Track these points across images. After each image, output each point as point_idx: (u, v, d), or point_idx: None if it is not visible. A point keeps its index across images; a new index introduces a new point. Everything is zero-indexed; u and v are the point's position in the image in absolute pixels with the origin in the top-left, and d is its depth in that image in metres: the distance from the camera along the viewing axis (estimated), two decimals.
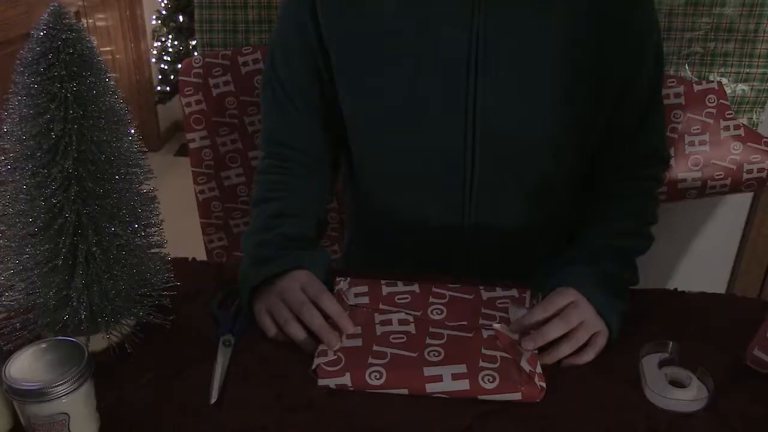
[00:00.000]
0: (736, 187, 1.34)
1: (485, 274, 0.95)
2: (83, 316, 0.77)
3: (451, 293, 0.89)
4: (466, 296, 0.88)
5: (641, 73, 0.94)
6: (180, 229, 1.16)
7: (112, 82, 0.74)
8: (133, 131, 0.76)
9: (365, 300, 0.88)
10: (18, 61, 0.71)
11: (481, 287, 0.90)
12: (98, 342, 0.80)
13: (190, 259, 0.99)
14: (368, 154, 0.99)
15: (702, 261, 1.61)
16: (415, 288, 0.89)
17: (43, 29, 0.71)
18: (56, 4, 0.72)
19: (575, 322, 0.80)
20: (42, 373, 0.64)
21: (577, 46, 0.88)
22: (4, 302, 0.78)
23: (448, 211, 0.96)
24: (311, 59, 0.94)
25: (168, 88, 3.27)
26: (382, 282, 0.90)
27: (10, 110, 0.72)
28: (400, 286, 0.90)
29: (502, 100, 0.89)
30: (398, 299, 0.88)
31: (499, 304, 0.87)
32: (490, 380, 0.74)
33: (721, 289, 1.66)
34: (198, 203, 1.30)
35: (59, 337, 0.69)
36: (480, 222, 0.97)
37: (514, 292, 0.89)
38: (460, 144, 0.91)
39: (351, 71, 0.93)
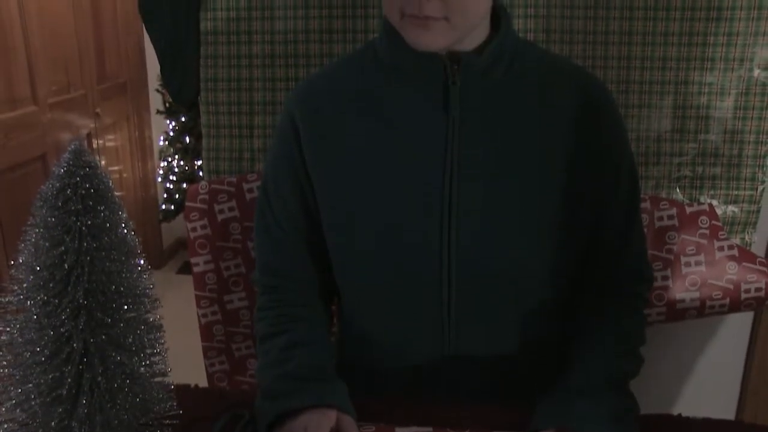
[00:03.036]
0: (735, 306, 1.35)
1: (473, 399, 0.94)
2: None
3: None
4: None
5: (616, 197, 0.97)
6: (180, 349, 1.16)
7: (125, 215, 0.77)
8: (142, 261, 0.78)
9: None
10: (38, 196, 0.75)
11: None
12: None
13: (192, 386, 0.99)
14: (348, 281, 1.01)
15: (708, 382, 1.59)
16: None
17: (64, 166, 0.75)
18: (77, 143, 0.76)
19: None
20: None
21: (552, 176, 0.92)
22: None
23: (429, 340, 0.96)
24: (298, 187, 0.98)
25: (172, 207, 3.34)
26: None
27: (27, 242, 0.75)
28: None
29: (477, 233, 0.91)
30: None
31: None
32: None
33: (731, 410, 1.62)
34: (200, 327, 1.31)
35: None
36: (461, 351, 0.96)
37: None
38: (436, 274, 0.92)
39: (330, 199, 0.96)
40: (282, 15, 1.33)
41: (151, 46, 1.41)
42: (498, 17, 0.93)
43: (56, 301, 0.74)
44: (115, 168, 3.34)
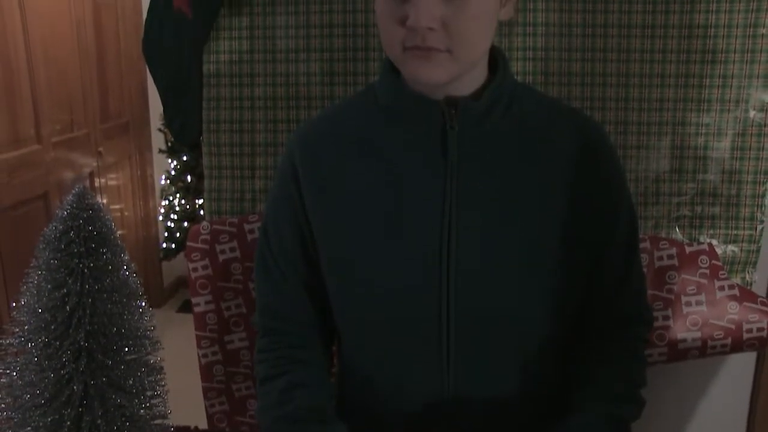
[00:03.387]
0: (738, 346, 1.34)
1: None
2: None
3: None
4: None
5: (615, 237, 0.97)
6: (180, 389, 1.16)
7: (126, 257, 0.78)
8: (143, 303, 0.79)
9: None
10: (41, 238, 0.76)
11: None
12: None
13: (192, 428, 0.98)
14: (347, 323, 1.00)
15: (712, 424, 1.57)
16: None
17: (67, 209, 0.75)
18: (81, 186, 0.77)
19: None
20: None
21: (551, 218, 0.92)
22: None
23: (428, 381, 0.96)
24: (298, 228, 0.98)
25: (173, 246, 3.34)
26: None
27: (29, 284, 0.76)
28: None
29: (476, 276, 0.91)
30: None
31: None
32: None
33: None
34: (200, 367, 1.30)
35: None
36: (460, 392, 0.96)
37: None
38: (435, 317, 0.92)
39: (329, 242, 0.96)
40: (284, 58, 1.35)
41: (154, 86, 1.43)
42: (496, 61, 0.95)
43: (57, 343, 0.74)
44: (117, 206, 3.36)
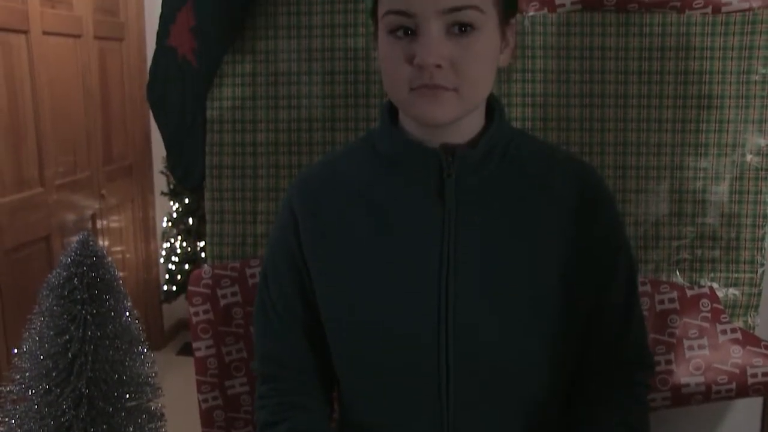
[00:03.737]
0: (743, 391, 1.33)
1: None
2: None
3: None
4: None
5: (615, 280, 0.97)
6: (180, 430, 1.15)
7: (129, 303, 0.79)
8: (145, 350, 0.79)
9: None
10: (45, 284, 0.76)
11: None
12: None
13: None
14: (346, 369, 1.00)
15: None
16: None
17: (71, 255, 0.76)
18: (85, 232, 0.78)
19: None
20: None
21: (549, 266, 0.92)
22: None
23: (428, 428, 0.94)
24: (297, 275, 0.99)
25: (174, 288, 3.34)
26: None
27: (32, 330, 0.76)
28: None
29: (474, 323, 0.91)
30: None
31: None
32: None
33: None
34: (200, 412, 1.29)
35: None
36: None
37: None
38: (434, 364, 0.92)
39: (327, 292, 0.97)
40: (286, 104, 1.37)
41: (157, 129, 1.45)
42: (492, 108, 0.96)
43: (58, 390, 0.74)
44: (119, 248, 3.37)
